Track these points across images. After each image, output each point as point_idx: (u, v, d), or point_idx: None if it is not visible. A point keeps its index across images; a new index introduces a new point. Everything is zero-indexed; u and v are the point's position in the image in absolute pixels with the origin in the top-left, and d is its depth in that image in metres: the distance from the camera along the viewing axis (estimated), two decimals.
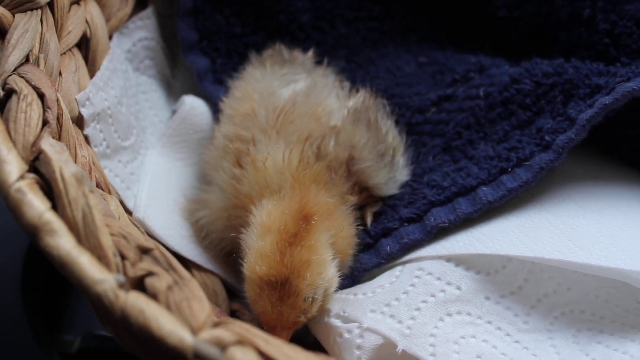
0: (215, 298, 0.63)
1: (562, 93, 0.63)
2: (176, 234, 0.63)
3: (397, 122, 0.68)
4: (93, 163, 0.55)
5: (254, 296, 0.54)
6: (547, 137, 0.61)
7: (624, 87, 0.58)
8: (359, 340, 0.54)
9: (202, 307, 0.40)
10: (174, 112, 0.73)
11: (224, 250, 0.63)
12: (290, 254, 0.53)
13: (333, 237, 0.56)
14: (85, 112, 0.58)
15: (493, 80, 0.68)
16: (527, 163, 0.60)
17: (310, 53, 0.73)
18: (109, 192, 0.57)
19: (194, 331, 0.38)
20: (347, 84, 0.71)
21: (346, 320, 0.56)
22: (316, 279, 0.53)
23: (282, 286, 0.52)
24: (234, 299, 0.64)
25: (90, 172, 0.53)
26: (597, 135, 0.62)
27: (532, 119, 0.64)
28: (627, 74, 0.60)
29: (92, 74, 0.62)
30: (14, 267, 0.75)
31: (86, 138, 0.59)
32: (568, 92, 0.63)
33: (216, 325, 0.39)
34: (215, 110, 0.71)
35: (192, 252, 0.63)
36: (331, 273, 0.55)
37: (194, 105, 0.71)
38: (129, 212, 0.61)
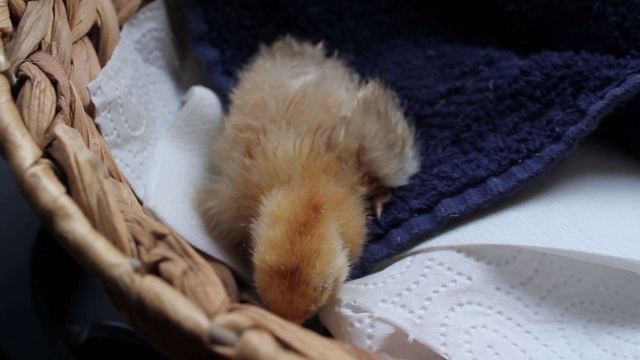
0: (226, 288, 0.62)
1: (572, 85, 0.63)
2: (186, 223, 0.63)
3: (406, 115, 0.68)
4: (105, 152, 0.56)
5: (264, 285, 0.54)
6: (557, 129, 0.61)
7: (634, 78, 0.58)
8: (370, 330, 0.55)
9: (217, 292, 0.40)
10: (183, 103, 0.73)
11: (234, 241, 0.63)
12: (300, 243, 0.53)
13: (343, 226, 0.56)
14: (96, 100, 0.58)
15: (502, 73, 0.68)
16: (538, 154, 0.61)
17: (320, 45, 0.73)
18: (120, 181, 0.57)
19: (210, 316, 0.38)
20: (356, 76, 0.71)
21: (357, 310, 0.56)
22: (326, 268, 0.53)
23: (292, 275, 0.52)
24: (243, 289, 0.64)
25: (102, 161, 0.53)
26: (608, 127, 0.62)
27: (542, 111, 0.64)
28: (638, 66, 0.60)
29: (102, 63, 0.62)
30: (22, 258, 0.75)
31: (97, 127, 0.59)
32: (578, 84, 0.63)
33: (231, 310, 0.39)
34: (225, 101, 0.71)
35: (201, 242, 0.63)
36: (341, 262, 0.55)
37: (203, 96, 0.71)
38: (139, 201, 0.61)
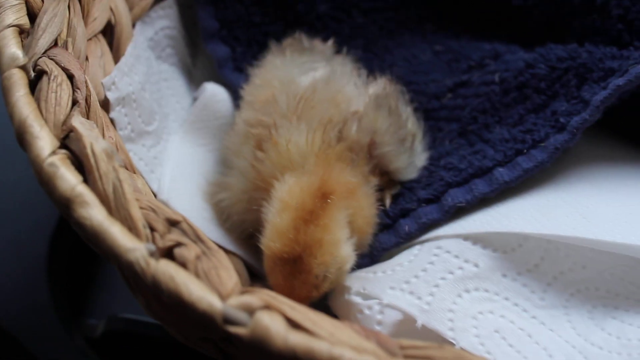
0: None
1: (576, 77, 0.64)
2: (198, 216, 0.64)
3: (414, 109, 0.69)
4: (119, 145, 0.57)
5: (268, 269, 0.55)
6: (561, 119, 0.62)
7: (637, 68, 0.59)
8: (379, 316, 0.56)
9: (229, 275, 0.41)
10: (195, 99, 0.74)
11: (245, 232, 0.64)
12: (304, 231, 0.53)
13: (352, 216, 0.57)
14: (111, 95, 0.59)
15: (508, 66, 0.69)
16: (542, 144, 0.62)
17: (330, 42, 0.75)
18: (135, 173, 0.58)
19: (223, 297, 0.39)
20: (364, 72, 0.72)
21: (366, 297, 0.57)
22: (328, 258, 0.54)
23: (294, 263, 0.53)
24: (256, 280, 0.65)
25: (118, 154, 0.55)
26: (612, 117, 0.63)
27: (546, 103, 0.65)
28: None
29: (116, 59, 0.64)
30: (39, 255, 0.76)
31: (112, 121, 0.60)
32: (582, 76, 0.64)
33: (243, 292, 0.41)
34: (236, 97, 0.72)
35: (214, 233, 0.64)
36: (345, 252, 0.56)
37: (214, 92, 0.73)
38: (153, 194, 0.63)
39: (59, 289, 0.75)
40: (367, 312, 0.56)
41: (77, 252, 0.78)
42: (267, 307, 0.39)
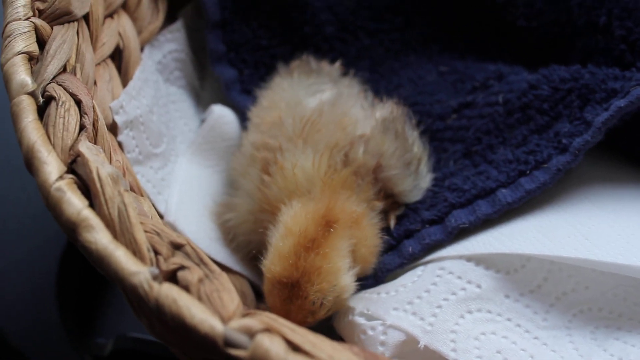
0: (244, 299, 0.64)
1: (579, 98, 0.64)
2: (205, 236, 0.65)
3: (420, 132, 0.70)
4: (126, 168, 0.58)
5: (267, 291, 0.56)
6: (564, 141, 0.62)
7: (638, 90, 0.60)
8: (382, 337, 0.56)
9: (231, 298, 0.42)
10: (202, 121, 0.75)
11: (251, 253, 0.65)
12: (304, 258, 0.54)
13: (355, 245, 0.58)
14: (118, 119, 0.61)
15: (512, 87, 0.70)
16: (545, 165, 0.62)
17: (338, 64, 0.76)
18: (142, 196, 0.59)
19: (224, 320, 0.40)
20: (370, 94, 0.73)
21: (370, 318, 0.58)
22: (325, 286, 0.54)
23: (292, 288, 0.54)
24: (262, 300, 0.66)
25: (124, 176, 0.55)
26: (614, 138, 0.64)
27: (549, 124, 0.65)
28: None
29: (125, 83, 0.65)
30: (49, 274, 0.77)
31: (120, 144, 0.61)
32: (585, 97, 0.64)
33: (245, 315, 0.41)
34: (243, 119, 0.73)
35: (220, 254, 0.65)
36: (344, 282, 0.56)
37: (222, 114, 0.74)
38: (160, 215, 0.64)
39: (68, 308, 0.76)
40: (370, 332, 0.57)
41: (86, 272, 0.79)
42: (268, 329, 0.39)
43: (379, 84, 0.79)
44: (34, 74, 0.51)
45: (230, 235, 0.65)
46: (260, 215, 0.62)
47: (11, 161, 0.82)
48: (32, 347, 0.73)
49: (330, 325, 0.61)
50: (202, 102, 0.80)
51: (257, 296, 0.67)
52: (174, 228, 0.63)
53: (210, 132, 0.73)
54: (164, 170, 0.68)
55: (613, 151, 0.69)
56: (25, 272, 0.77)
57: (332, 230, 0.56)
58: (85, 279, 0.79)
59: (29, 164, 0.46)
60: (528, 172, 0.63)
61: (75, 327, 0.76)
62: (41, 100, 0.50)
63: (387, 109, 0.67)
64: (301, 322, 0.54)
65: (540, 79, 0.68)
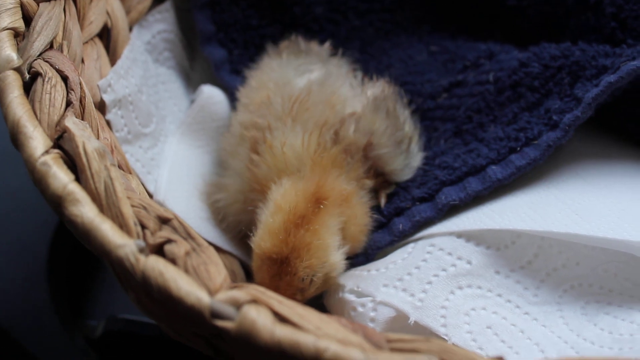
0: (234, 278, 0.64)
1: (569, 75, 0.64)
2: (195, 216, 0.65)
3: (411, 109, 0.70)
4: (115, 146, 0.58)
5: (256, 268, 0.56)
6: (554, 117, 0.62)
7: (628, 65, 0.60)
8: (372, 314, 0.56)
9: (218, 271, 0.42)
10: (192, 101, 0.75)
11: (241, 233, 0.65)
12: (294, 234, 0.54)
13: (345, 223, 0.58)
14: (106, 97, 0.60)
15: (502, 65, 0.69)
16: (535, 142, 0.62)
17: (327, 45, 0.75)
18: (130, 174, 0.59)
19: (211, 292, 0.40)
20: (359, 73, 0.73)
21: (360, 294, 0.58)
22: (315, 263, 0.55)
23: (281, 264, 0.54)
24: (252, 280, 0.66)
25: (112, 154, 0.55)
26: (605, 114, 0.64)
27: (540, 101, 0.65)
28: (632, 54, 0.61)
29: (113, 62, 0.64)
30: (39, 257, 0.77)
31: (108, 123, 0.61)
32: (575, 74, 0.64)
33: (232, 287, 0.41)
34: (233, 99, 0.73)
35: (211, 234, 0.65)
36: (334, 259, 0.56)
37: (211, 94, 0.73)
38: (149, 195, 0.63)
39: (59, 290, 0.76)
40: (360, 309, 0.57)
41: (77, 254, 0.78)
42: (255, 301, 0.39)
43: (369, 64, 0.79)
44: (20, 50, 0.51)
45: (220, 215, 0.65)
46: (250, 195, 0.61)
47: None
48: (23, 330, 0.72)
49: (321, 303, 0.61)
50: (191, 82, 0.80)
51: (247, 276, 0.66)
52: (163, 207, 0.62)
53: (199, 113, 0.72)
54: (154, 150, 0.67)
55: (604, 128, 0.68)
56: (15, 254, 0.77)
57: (322, 207, 0.55)
58: (75, 261, 0.79)
59: (15, 139, 0.46)
60: (518, 148, 0.62)
61: (66, 309, 0.76)
62: (27, 76, 0.50)
63: (379, 88, 0.67)
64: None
65: (531, 57, 0.67)
